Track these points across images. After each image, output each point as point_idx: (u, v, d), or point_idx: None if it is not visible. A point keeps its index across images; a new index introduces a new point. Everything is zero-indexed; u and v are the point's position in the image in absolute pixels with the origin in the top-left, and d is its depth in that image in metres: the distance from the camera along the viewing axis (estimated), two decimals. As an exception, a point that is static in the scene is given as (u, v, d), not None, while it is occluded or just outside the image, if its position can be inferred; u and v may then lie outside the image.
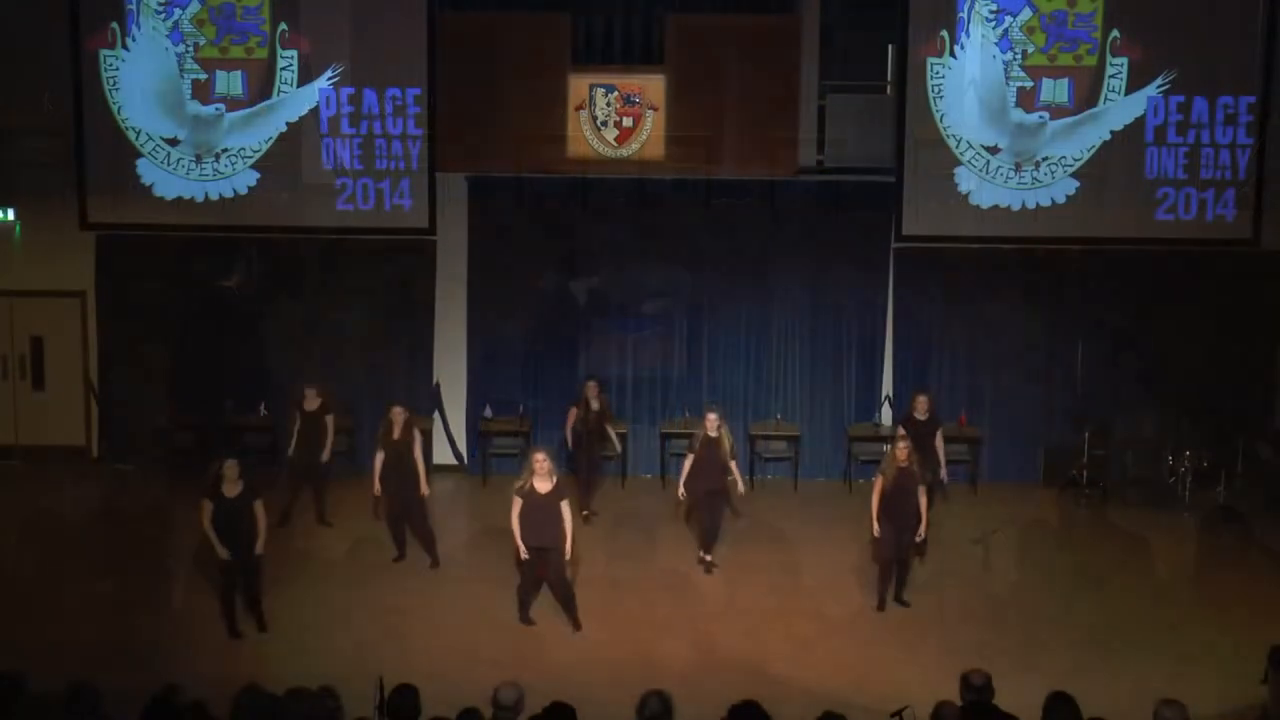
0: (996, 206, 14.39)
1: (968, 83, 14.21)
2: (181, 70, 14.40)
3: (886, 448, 11.40)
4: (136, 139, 14.49)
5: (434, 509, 12.32)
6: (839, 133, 14.40)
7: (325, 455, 12.78)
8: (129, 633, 10.14)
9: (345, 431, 14.47)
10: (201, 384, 14.70)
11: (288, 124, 14.47)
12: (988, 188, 14.36)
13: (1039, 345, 14.80)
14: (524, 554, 10.22)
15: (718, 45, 14.22)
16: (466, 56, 14.29)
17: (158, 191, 14.57)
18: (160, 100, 14.45)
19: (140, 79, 14.39)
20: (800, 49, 14.25)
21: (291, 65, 14.40)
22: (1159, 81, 14.16)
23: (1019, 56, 14.19)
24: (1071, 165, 14.32)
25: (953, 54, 14.18)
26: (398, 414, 11.86)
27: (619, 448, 13.56)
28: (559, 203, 14.72)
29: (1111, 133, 14.27)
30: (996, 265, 14.64)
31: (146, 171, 14.53)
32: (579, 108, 14.34)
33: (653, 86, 14.30)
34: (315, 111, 14.43)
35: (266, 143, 14.50)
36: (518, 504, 10.18)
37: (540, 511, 10.14)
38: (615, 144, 14.40)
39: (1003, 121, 14.28)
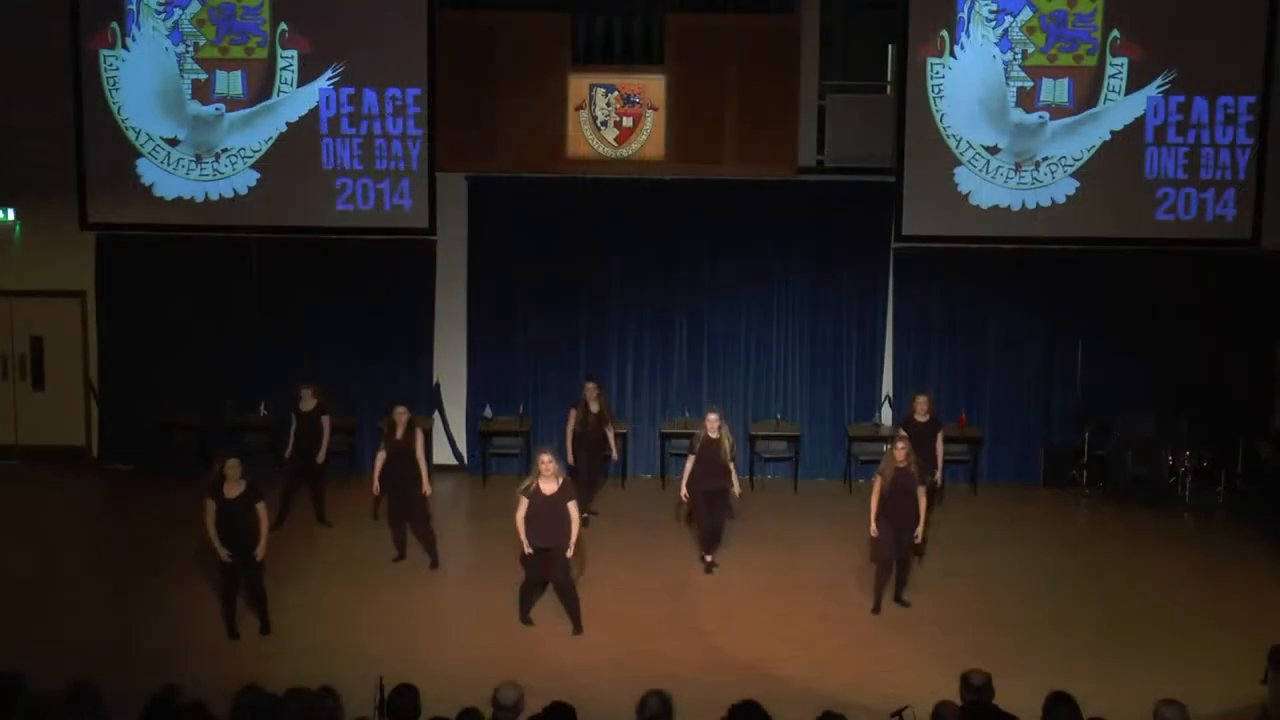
0: (996, 206, 14.41)
1: (968, 83, 14.22)
2: (181, 70, 14.41)
3: (886, 448, 11.39)
4: (136, 139, 14.50)
5: (434, 509, 12.32)
6: (839, 133, 14.41)
7: (321, 456, 12.76)
8: (129, 633, 10.14)
9: (345, 431, 14.51)
10: (201, 384, 14.70)
11: (288, 124, 14.48)
12: (988, 188, 14.37)
13: (1039, 345, 14.80)
14: (527, 549, 10.21)
15: (718, 45, 14.23)
16: (466, 56, 14.30)
17: (158, 191, 14.59)
18: (160, 100, 14.47)
19: (140, 79, 14.41)
20: (800, 49, 14.26)
21: (291, 65, 14.41)
22: (1159, 81, 14.17)
23: (1019, 56, 14.19)
24: (1071, 165, 14.32)
25: (953, 54, 14.19)
26: (400, 414, 11.85)
27: (615, 455, 13.50)
28: (559, 203, 14.72)
29: (1111, 133, 14.28)
30: (996, 265, 14.64)
31: (146, 171, 14.55)
32: (579, 108, 14.35)
33: (653, 86, 14.31)
34: (315, 111, 14.45)
35: (266, 143, 14.51)
36: (523, 504, 10.18)
37: (545, 512, 10.15)
38: (615, 144, 14.40)
39: (1003, 121, 14.29)
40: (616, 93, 14.35)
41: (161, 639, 9.98)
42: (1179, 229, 14.39)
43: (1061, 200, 14.37)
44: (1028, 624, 10.60)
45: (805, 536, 12.85)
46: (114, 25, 14.34)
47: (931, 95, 14.23)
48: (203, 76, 14.42)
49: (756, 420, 14.80)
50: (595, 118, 14.35)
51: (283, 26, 14.36)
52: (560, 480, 10.24)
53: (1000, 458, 14.86)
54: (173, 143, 14.51)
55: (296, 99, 14.45)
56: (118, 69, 14.42)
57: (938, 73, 14.21)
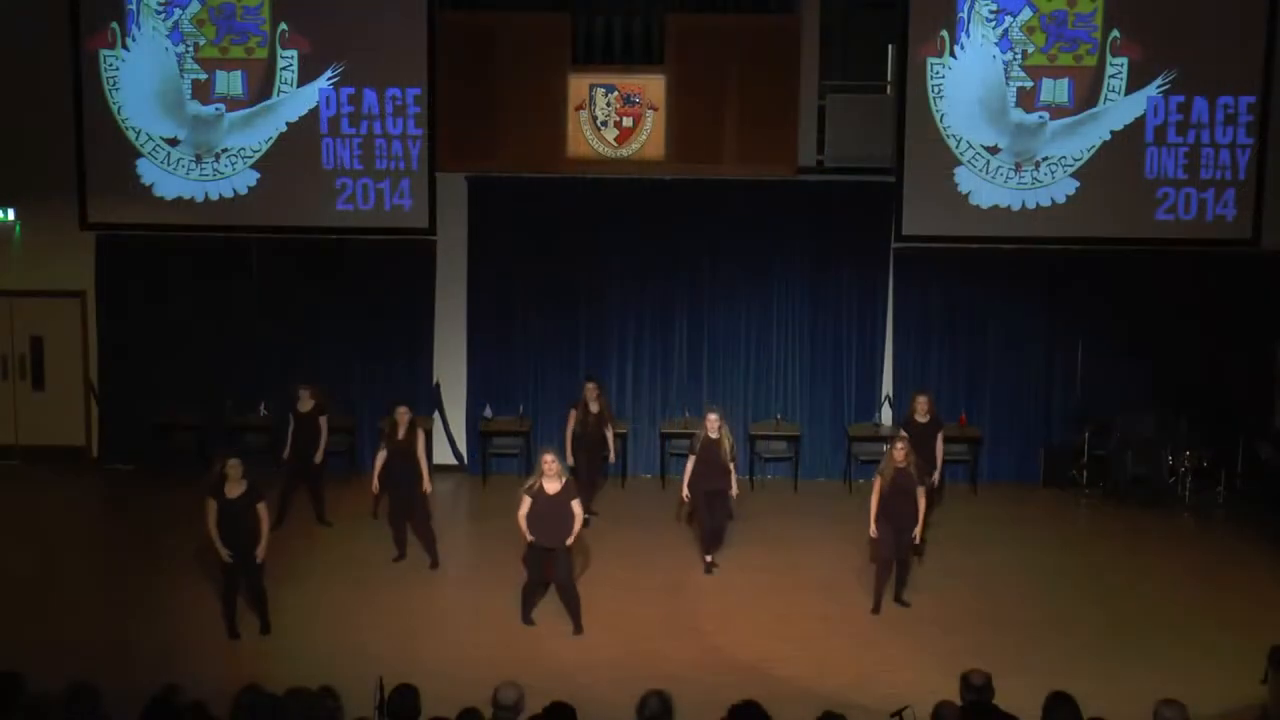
0: (996, 206, 14.41)
1: (968, 83, 14.22)
2: (181, 70, 14.42)
3: (886, 448, 11.38)
4: (136, 139, 14.50)
5: (434, 509, 12.31)
6: (839, 133, 14.40)
7: (318, 457, 12.75)
8: (129, 633, 10.14)
9: (345, 431, 14.51)
10: (201, 384, 14.70)
11: (288, 124, 14.48)
12: (988, 188, 14.38)
13: (1039, 345, 14.80)
14: (529, 536, 10.20)
15: (718, 45, 14.23)
16: (466, 56, 14.30)
17: (158, 191, 14.59)
18: (160, 100, 14.47)
19: (140, 79, 14.41)
20: (800, 49, 14.26)
21: (291, 65, 14.41)
22: (1159, 81, 14.17)
23: (1019, 56, 14.20)
24: (1071, 165, 14.33)
25: (953, 54, 14.19)
26: (402, 414, 11.85)
27: (613, 457, 13.48)
28: (559, 203, 14.72)
29: (1111, 133, 14.28)
30: (996, 265, 14.64)
31: (146, 171, 14.55)
32: (579, 108, 14.35)
33: (653, 86, 14.31)
34: (315, 111, 14.45)
35: (266, 143, 14.51)
36: (526, 502, 10.19)
37: (548, 512, 10.15)
38: (615, 144, 14.40)
39: (1003, 121, 14.29)
40: (616, 93, 14.35)
41: (161, 639, 9.98)
42: (1179, 229, 14.40)
43: (1061, 200, 14.37)
44: (1028, 624, 10.60)
45: (805, 536, 12.84)
46: (114, 25, 14.34)
47: (931, 95, 14.24)
48: (203, 76, 14.43)
49: (756, 420, 14.79)
50: (595, 118, 14.35)
51: (283, 26, 14.37)
52: (563, 480, 10.25)
53: (1000, 458, 14.86)
54: (173, 143, 14.52)
55: (296, 99, 14.45)
56: (118, 69, 14.42)
57: (938, 73, 14.21)
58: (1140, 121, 14.25)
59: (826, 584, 11.48)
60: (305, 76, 14.40)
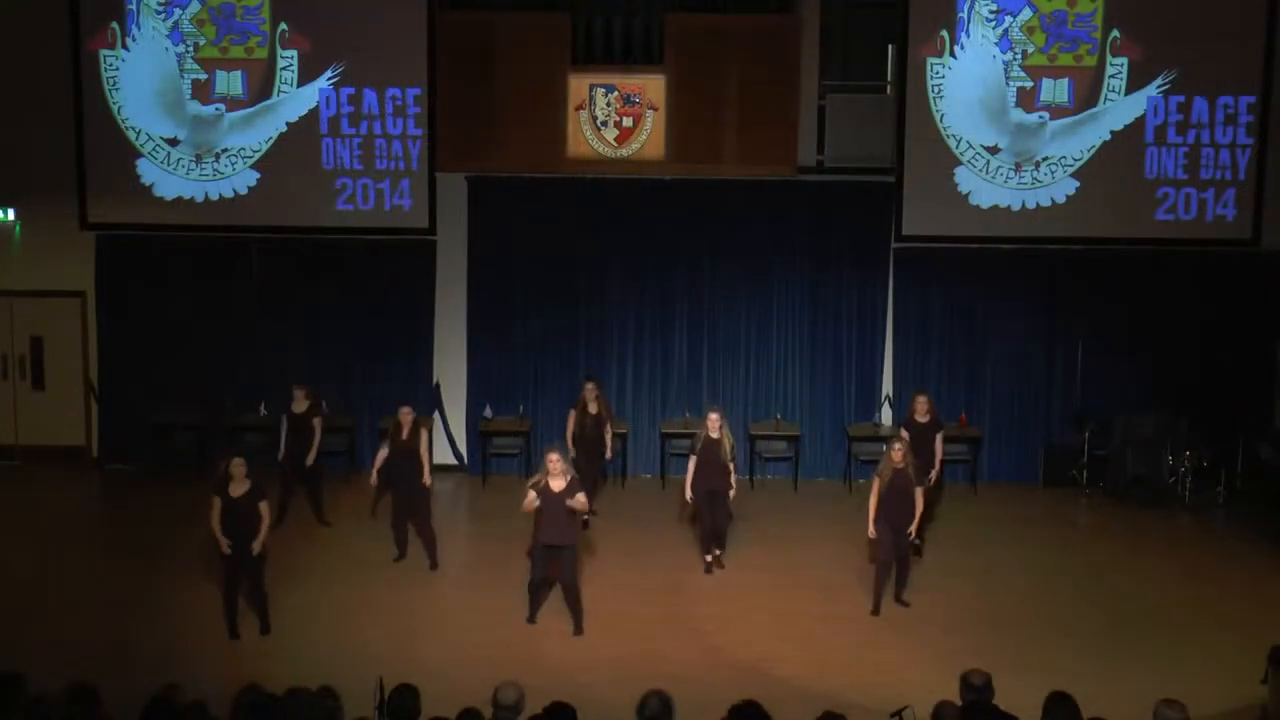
0: (996, 206, 14.41)
1: (968, 83, 14.22)
2: (181, 70, 14.42)
3: (885, 449, 11.37)
4: (136, 139, 14.51)
5: (434, 508, 12.30)
6: (839, 133, 14.40)
7: (311, 458, 12.72)
8: (129, 633, 10.13)
9: (345, 431, 14.52)
10: (201, 384, 14.70)
11: (288, 124, 14.48)
12: (988, 188, 14.38)
13: (1039, 345, 14.80)
14: (534, 498, 10.19)
15: (718, 45, 14.23)
16: (466, 56, 14.30)
17: (158, 191, 14.59)
18: (160, 100, 14.47)
19: (140, 79, 14.42)
20: (800, 49, 14.26)
21: (291, 65, 14.41)
22: (1159, 81, 14.17)
23: (1019, 56, 14.20)
24: (1071, 165, 14.33)
25: (953, 54, 14.19)
26: (405, 414, 11.85)
27: (609, 454, 13.44)
28: (559, 203, 14.72)
29: (1111, 133, 14.28)
30: (996, 265, 14.64)
31: (146, 171, 14.55)
32: (579, 108, 14.35)
33: (653, 86, 14.31)
34: (315, 111, 14.45)
35: (266, 143, 14.51)
36: (531, 496, 10.20)
37: (553, 510, 10.17)
38: (615, 144, 14.40)
39: (1003, 121, 14.29)
40: (616, 93, 14.35)
41: (161, 639, 9.98)
42: (1179, 229, 14.40)
43: (1061, 200, 14.37)
44: (1028, 624, 10.60)
45: (805, 536, 12.84)
46: (114, 25, 14.34)
47: (931, 95, 14.24)
48: (203, 76, 14.43)
49: (756, 420, 14.79)
50: (595, 118, 14.35)
51: (283, 26, 14.37)
52: (568, 478, 10.26)
53: (1000, 458, 14.87)
54: (173, 143, 14.52)
55: (296, 99, 14.45)
56: (118, 69, 14.42)
57: (938, 73, 14.21)
58: (1140, 121, 14.26)
59: (826, 584, 11.48)
60: (305, 76, 14.41)
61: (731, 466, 11.71)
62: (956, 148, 14.31)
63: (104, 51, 14.39)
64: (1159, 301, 14.57)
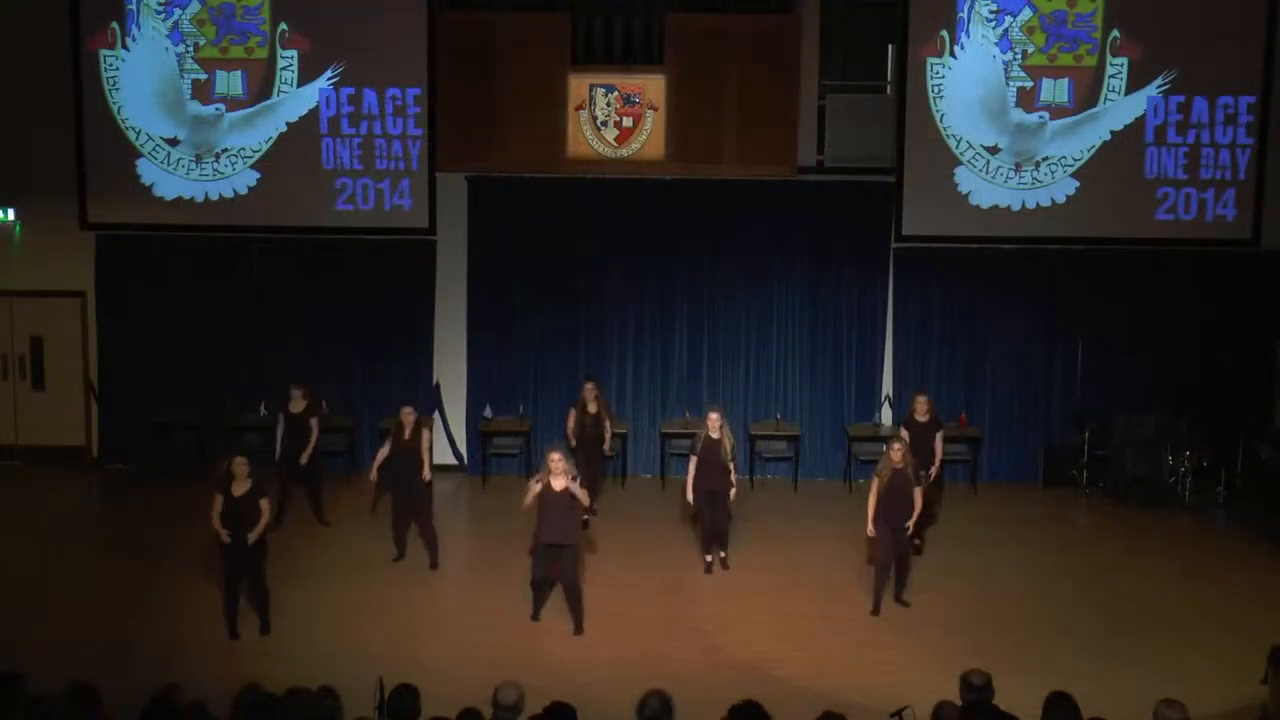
0: (996, 206, 14.41)
1: (968, 83, 14.22)
2: (181, 70, 14.42)
3: (885, 448, 11.37)
4: (136, 139, 14.50)
5: (434, 508, 12.29)
6: (839, 133, 14.40)
7: (304, 458, 12.67)
8: (129, 633, 10.13)
9: (345, 431, 14.52)
10: (201, 384, 14.70)
11: (288, 124, 14.48)
12: (988, 188, 14.38)
13: (1039, 345, 14.80)
14: (538, 485, 10.22)
15: (718, 45, 14.22)
16: (466, 56, 14.30)
17: (158, 191, 14.59)
18: (160, 100, 14.47)
19: (140, 79, 14.42)
20: (800, 49, 14.26)
21: (291, 65, 14.41)
22: (1159, 81, 14.17)
23: (1019, 56, 14.20)
24: (1071, 165, 14.33)
25: (953, 54, 14.19)
26: (407, 414, 11.85)
27: (607, 448, 13.41)
28: (559, 203, 14.72)
29: (1111, 133, 14.28)
30: (996, 265, 14.64)
31: (146, 171, 14.55)
32: (579, 108, 14.35)
33: (653, 86, 14.31)
34: (315, 111, 14.45)
35: (266, 143, 14.51)
36: (535, 490, 10.21)
37: (554, 509, 10.18)
38: (615, 144, 14.40)
39: (1003, 121, 14.29)
40: (616, 93, 14.34)
41: (161, 639, 9.98)
42: (1179, 229, 14.40)
43: (1061, 200, 14.37)
44: (1028, 624, 10.60)
45: (805, 536, 12.84)
46: (114, 25, 14.34)
47: (931, 95, 14.24)
48: (203, 76, 14.43)
49: (756, 420, 14.79)
50: (595, 118, 14.35)
51: (283, 26, 14.37)
52: (569, 477, 10.26)
53: (1000, 458, 14.87)
54: (173, 143, 14.52)
55: (296, 99, 14.45)
56: (118, 69, 14.42)
57: (938, 73, 14.21)
58: (1140, 121, 14.26)
59: (826, 584, 11.48)
60: (305, 76, 14.41)
61: (732, 466, 11.70)
62: (956, 148, 14.31)
63: (104, 51, 14.39)
64: (1159, 301, 14.57)
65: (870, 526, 10.81)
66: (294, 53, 14.39)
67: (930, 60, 14.20)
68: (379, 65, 14.34)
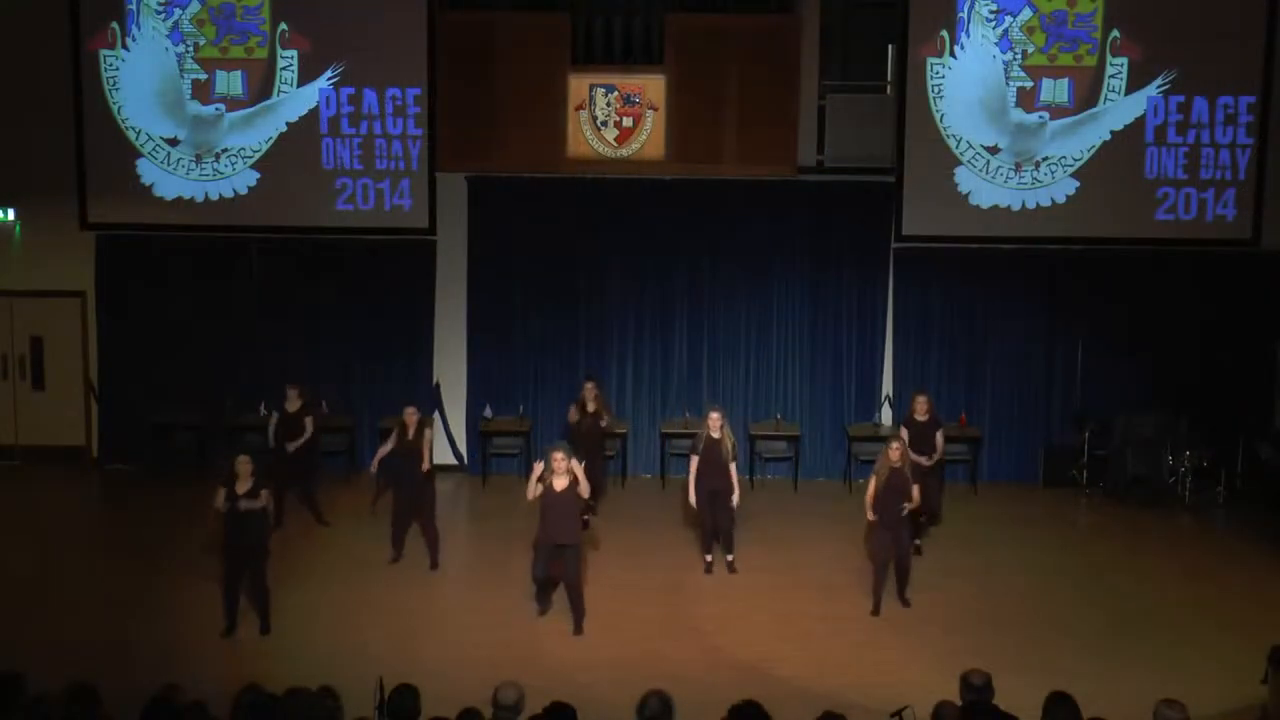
0: (996, 206, 14.41)
1: (968, 83, 14.22)
2: (181, 70, 14.42)
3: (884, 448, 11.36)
4: (136, 139, 14.50)
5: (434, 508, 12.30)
6: (839, 133, 14.40)
7: (292, 447, 12.59)
8: (129, 633, 10.13)
9: (345, 431, 14.52)
10: (201, 384, 14.70)
11: (288, 124, 14.48)
12: (988, 188, 14.38)
13: (1039, 345, 14.80)
14: (538, 473, 10.25)
15: (718, 45, 14.22)
16: (466, 56, 14.30)
17: (158, 191, 14.59)
18: (160, 100, 14.47)
19: (140, 79, 14.42)
20: (800, 49, 14.26)
21: (291, 65, 14.41)
22: (1159, 81, 14.17)
23: (1019, 56, 14.20)
24: (1071, 165, 14.32)
25: (953, 54, 14.19)
26: (410, 415, 11.84)
27: (605, 422, 13.36)
28: (559, 203, 14.72)
29: (1111, 133, 14.28)
30: (996, 265, 14.64)
31: (146, 171, 14.55)
32: (579, 108, 14.34)
33: (653, 86, 14.31)
34: (315, 111, 14.45)
35: (266, 143, 14.51)
36: (538, 478, 10.21)
37: (556, 509, 10.19)
38: (615, 144, 14.40)
39: (1003, 121, 14.29)
40: (616, 93, 14.34)
41: (161, 639, 9.98)
42: (1179, 229, 14.40)
43: (1061, 200, 14.37)
44: (1028, 624, 10.60)
45: (805, 536, 12.84)
46: (114, 25, 14.34)
47: (931, 95, 14.24)
48: (203, 76, 14.43)
49: (756, 420, 14.79)
50: (595, 118, 14.35)
51: (283, 26, 14.36)
52: (572, 477, 10.26)
53: (1000, 458, 14.87)
54: (173, 143, 14.52)
55: (296, 99, 14.45)
56: (118, 69, 14.42)
57: (938, 73, 14.21)
58: (1140, 121, 14.25)
59: (826, 584, 11.48)
60: (305, 76, 14.41)
61: (733, 466, 11.69)
62: (956, 148, 14.31)
63: (104, 51, 14.39)
64: (1159, 301, 14.57)
65: (869, 512, 10.77)
66: (294, 53, 14.39)
67: (930, 60, 14.20)
68: (379, 65, 14.34)
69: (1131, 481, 14.05)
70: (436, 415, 14.98)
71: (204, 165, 14.54)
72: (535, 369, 14.96)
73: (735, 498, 11.67)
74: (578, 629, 10.31)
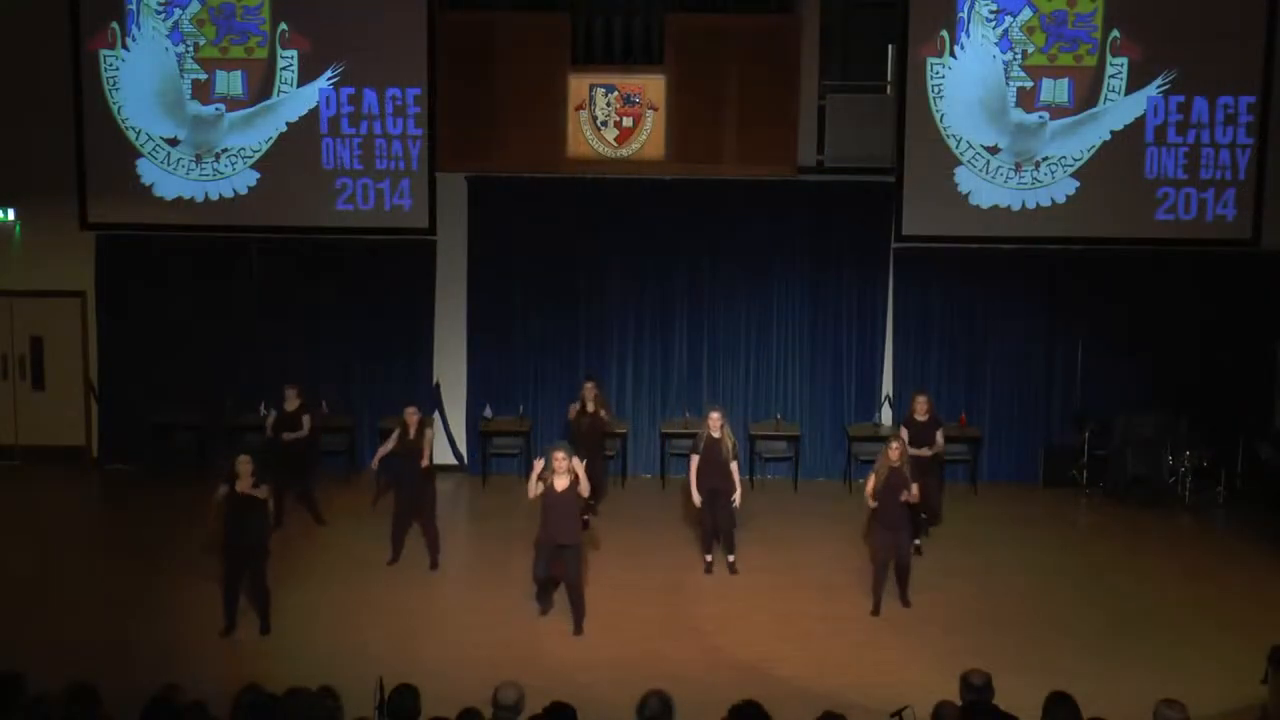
0: (996, 206, 14.41)
1: (968, 83, 14.22)
2: (181, 70, 14.42)
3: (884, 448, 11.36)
4: (136, 139, 14.51)
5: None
6: (839, 133, 14.40)
7: (287, 438, 12.57)
8: (129, 633, 10.13)
9: (345, 431, 14.52)
10: (201, 384, 14.70)
11: (288, 124, 14.48)
12: (988, 188, 14.38)
13: (1039, 345, 14.80)
14: (539, 469, 10.25)
15: (718, 45, 14.22)
16: (466, 56, 14.30)
17: (158, 191, 14.60)
18: (160, 100, 14.47)
19: (140, 79, 14.42)
20: (800, 49, 14.26)
21: (291, 65, 14.41)
22: (1159, 81, 14.17)
23: (1019, 56, 14.20)
24: (1071, 165, 14.33)
25: (953, 54, 14.19)
26: (411, 415, 11.84)
27: (605, 416, 13.36)
28: (559, 203, 14.72)
29: (1111, 133, 14.28)
30: (996, 265, 14.64)
31: (146, 171, 14.55)
32: (579, 108, 14.34)
33: (653, 86, 14.31)
34: (315, 111, 14.46)
35: (266, 143, 14.51)
36: (537, 484, 10.21)
37: (558, 508, 10.19)
38: (615, 144, 14.40)
39: (1003, 121, 14.29)
40: (616, 93, 14.34)
41: (161, 639, 9.97)
42: (1179, 229, 14.40)
43: (1061, 200, 14.37)
44: (1028, 624, 10.60)
45: (805, 536, 12.84)
46: (114, 25, 14.35)
47: (931, 95, 14.24)
48: (203, 76, 14.43)
49: (756, 420, 14.79)
50: (595, 118, 14.35)
51: (283, 26, 14.37)
52: (573, 476, 10.27)
53: (1000, 458, 14.87)
54: (173, 143, 14.52)
55: (296, 99, 14.45)
56: (118, 69, 14.42)
57: (938, 73, 14.21)
58: (1140, 121, 14.26)
59: (826, 584, 11.47)
60: (305, 76, 14.41)
61: (734, 466, 11.68)
62: (956, 148, 14.31)
63: (104, 51, 14.39)
64: (1159, 301, 14.57)
65: (870, 500, 10.76)
66: (294, 53, 14.39)
67: (930, 60, 14.20)
68: (379, 65, 14.34)
69: (1131, 481, 14.05)
70: (437, 415, 14.98)
71: (204, 165, 14.54)
72: (535, 369, 14.97)
73: (737, 497, 11.67)
74: (578, 629, 10.31)
